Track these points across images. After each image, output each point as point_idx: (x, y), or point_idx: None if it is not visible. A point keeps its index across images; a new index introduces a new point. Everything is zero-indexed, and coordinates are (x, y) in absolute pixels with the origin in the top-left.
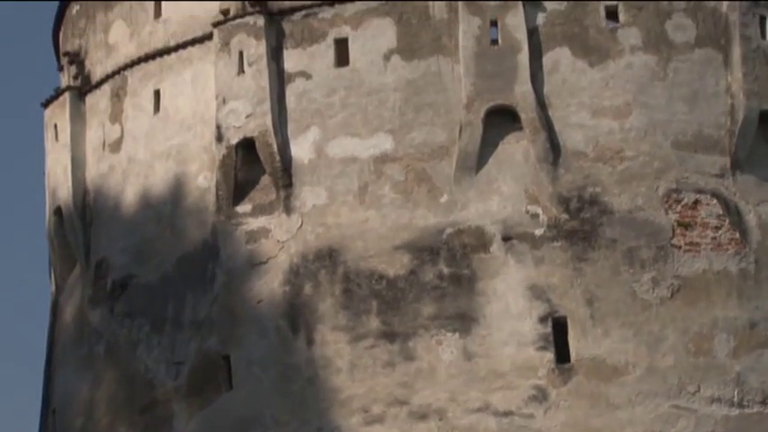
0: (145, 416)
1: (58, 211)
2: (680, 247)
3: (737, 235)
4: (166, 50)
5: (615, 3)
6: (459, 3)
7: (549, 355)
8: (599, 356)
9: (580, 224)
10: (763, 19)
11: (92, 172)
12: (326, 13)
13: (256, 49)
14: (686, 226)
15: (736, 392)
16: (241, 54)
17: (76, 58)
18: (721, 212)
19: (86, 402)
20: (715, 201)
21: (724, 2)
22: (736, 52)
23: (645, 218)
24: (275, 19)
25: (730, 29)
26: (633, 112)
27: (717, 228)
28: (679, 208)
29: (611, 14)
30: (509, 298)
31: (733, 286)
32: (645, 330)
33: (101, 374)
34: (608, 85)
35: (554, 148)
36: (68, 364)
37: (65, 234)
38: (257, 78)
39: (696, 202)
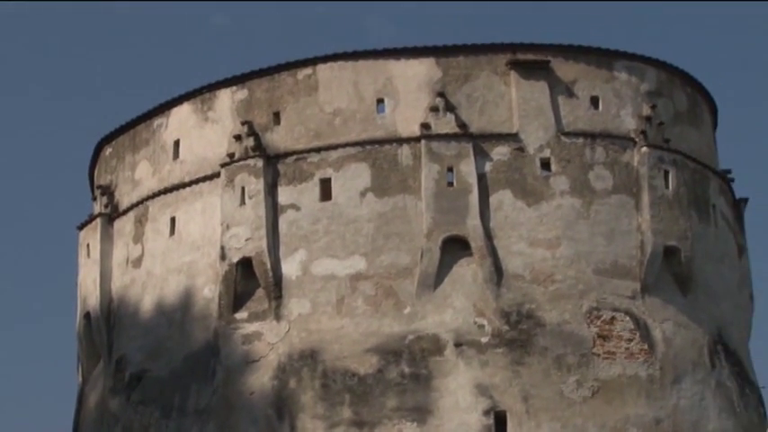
0: None
1: (86, 316)
2: (599, 355)
3: (646, 346)
4: (182, 185)
5: (548, 156)
6: (422, 151)
7: None
8: None
9: (518, 334)
10: (666, 172)
11: (116, 284)
12: (314, 157)
13: (255, 185)
14: (604, 338)
15: None
16: (243, 189)
17: (107, 190)
18: (633, 327)
19: None
20: (628, 318)
21: (635, 157)
22: (645, 198)
23: (571, 330)
24: (272, 161)
25: (640, 179)
26: (562, 244)
27: (629, 340)
28: (599, 323)
29: (545, 165)
30: (459, 394)
31: (642, 388)
32: (570, 424)
33: None
34: (542, 222)
35: (498, 272)
36: None
37: (92, 335)
38: (255, 209)
39: (613, 318)
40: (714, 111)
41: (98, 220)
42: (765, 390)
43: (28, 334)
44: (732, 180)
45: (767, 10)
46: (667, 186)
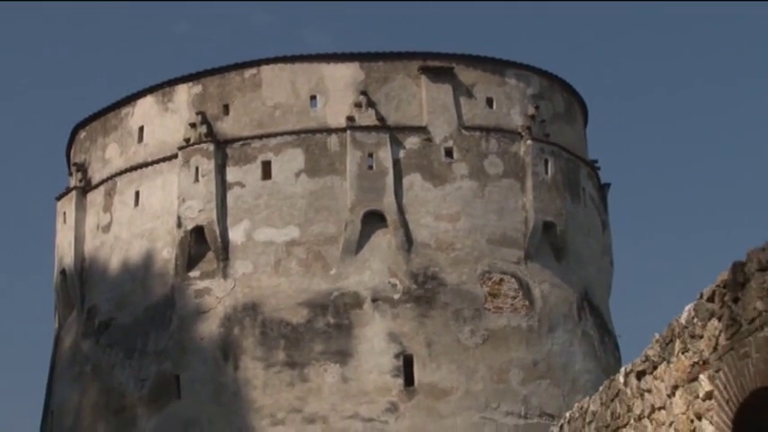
0: (118, 417)
1: (63, 273)
2: (489, 310)
3: (527, 303)
4: (145, 164)
5: (451, 146)
6: (348, 140)
7: (400, 381)
8: (434, 382)
9: (424, 292)
10: (546, 161)
11: (88, 246)
12: (257, 143)
13: (207, 165)
14: (494, 296)
15: (523, 409)
16: (197, 169)
17: (82, 168)
18: (517, 287)
19: (76, 407)
20: (514, 280)
21: (522, 148)
22: (529, 182)
23: (467, 289)
24: (221, 146)
25: (525, 167)
26: (461, 219)
27: (514, 297)
28: (490, 283)
29: (449, 153)
30: (374, 341)
31: (523, 337)
32: (465, 365)
33: (87, 387)
34: (445, 200)
35: (409, 241)
36: (64, 379)
37: (67, 288)
38: (207, 185)
39: (501, 280)
40: (585, 111)
41: (73, 193)
42: (621, 338)
43: (12, 287)
44: (598, 168)
45: (632, 14)
46: (547, 173)
